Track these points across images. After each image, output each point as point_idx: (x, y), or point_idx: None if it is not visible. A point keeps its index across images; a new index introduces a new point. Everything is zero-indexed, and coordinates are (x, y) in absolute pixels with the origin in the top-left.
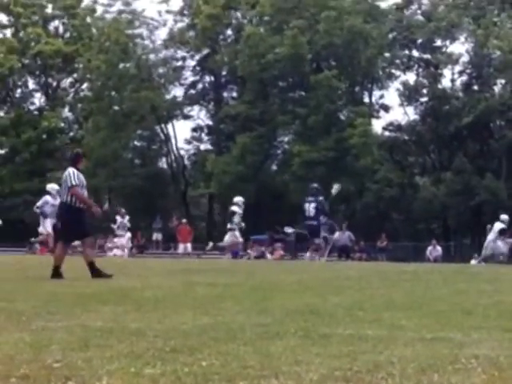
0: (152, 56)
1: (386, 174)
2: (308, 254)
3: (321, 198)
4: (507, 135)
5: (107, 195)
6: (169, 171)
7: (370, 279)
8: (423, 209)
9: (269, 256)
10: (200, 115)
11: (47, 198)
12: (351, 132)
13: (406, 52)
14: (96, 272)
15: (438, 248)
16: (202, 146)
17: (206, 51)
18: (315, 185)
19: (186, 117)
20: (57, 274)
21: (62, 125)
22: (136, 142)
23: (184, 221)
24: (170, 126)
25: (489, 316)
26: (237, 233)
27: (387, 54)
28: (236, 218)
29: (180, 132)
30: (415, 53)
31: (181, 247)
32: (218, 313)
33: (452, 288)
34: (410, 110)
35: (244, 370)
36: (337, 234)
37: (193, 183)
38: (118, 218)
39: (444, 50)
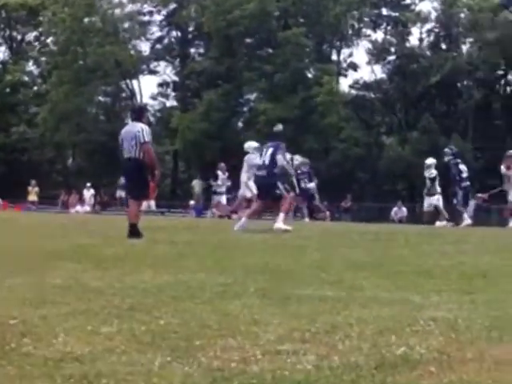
0: (118, 10)
1: (351, 133)
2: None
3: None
4: (474, 95)
5: (71, 150)
6: None
7: (332, 239)
8: (389, 168)
9: (234, 216)
10: (166, 71)
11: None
12: (318, 90)
13: (375, 10)
14: (132, 232)
15: (403, 209)
16: (168, 103)
17: (172, 6)
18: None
19: (152, 72)
20: (135, 232)
21: (26, 79)
22: (100, 98)
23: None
24: (135, 82)
25: (449, 278)
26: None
27: (356, 12)
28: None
29: (145, 88)
30: (384, 11)
31: (144, 204)
32: (178, 271)
33: (414, 249)
34: (378, 68)
35: (202, 330)
36: None
37: (157, 139)
38: (220, 173)
39: (413, 8)
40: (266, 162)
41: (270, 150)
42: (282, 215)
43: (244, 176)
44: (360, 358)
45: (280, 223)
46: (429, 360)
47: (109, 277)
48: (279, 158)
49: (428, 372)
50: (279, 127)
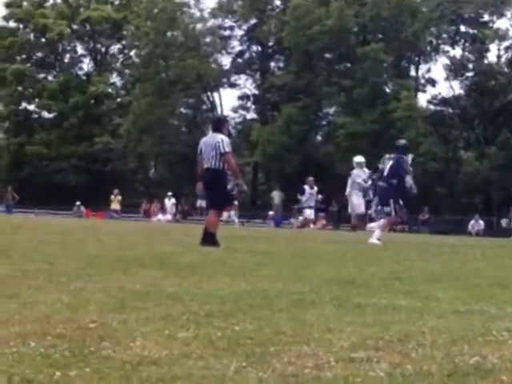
0: (199, 25)
1: (430, 148)
2: None
3: None
4: None
5: (153, 161)
6: None
7: (410, 251)
8: (466, 183)
9: (311, 226)
10: (246, 84)
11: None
12: (396, 105)
13: (453, 27)
14: (209, 241)
15: (481, 222)
16: (248, 116)
17: (253, 21)
18: None
19: (233, 85)
20: (213, 241)
21: (110, 90)
22: (182, 110)
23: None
24: (216, 95)
25: None
26: None
27: (434, 29)
28: None
29: (226, 101)
30: (462, 28)
31: (225, 214)
32: (255, 279)
33: (490, 262)
34: (456, 84)
35: (276, 336)
36: None
37: (238, 151)
38: (307, 188)
39: (491, 25)
40: (385, 173)
41: (391, 163)
42: (378, 232)
43: (347, 190)
44: (433, 366)
45: (374, 239)
46: (501, 369)
47: (187, 284)
48: (407, 180)
49: (500, 381)
50: (402, 141)
